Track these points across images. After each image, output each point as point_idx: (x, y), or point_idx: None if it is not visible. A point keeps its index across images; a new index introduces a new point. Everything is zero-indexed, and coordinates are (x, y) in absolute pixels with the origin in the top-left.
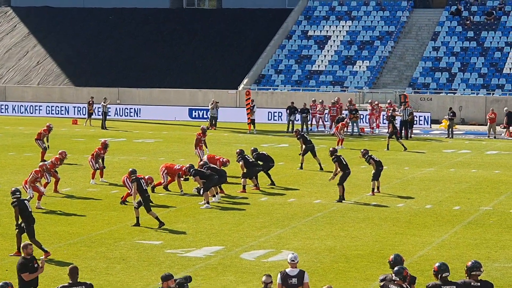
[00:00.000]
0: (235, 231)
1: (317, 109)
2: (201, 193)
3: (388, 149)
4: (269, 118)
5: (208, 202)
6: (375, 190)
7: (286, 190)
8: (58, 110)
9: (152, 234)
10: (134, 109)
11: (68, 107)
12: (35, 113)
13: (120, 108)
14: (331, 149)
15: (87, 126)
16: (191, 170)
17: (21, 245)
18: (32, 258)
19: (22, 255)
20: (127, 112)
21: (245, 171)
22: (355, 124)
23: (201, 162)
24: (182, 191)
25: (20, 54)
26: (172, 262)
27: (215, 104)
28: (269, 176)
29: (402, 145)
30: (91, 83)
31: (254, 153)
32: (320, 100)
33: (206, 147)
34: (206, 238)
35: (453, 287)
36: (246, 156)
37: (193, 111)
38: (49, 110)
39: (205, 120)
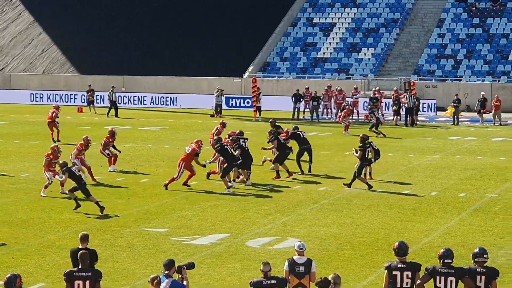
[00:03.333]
0: (240, 219)
1: (311, 96)
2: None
3: (384, 136)
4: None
5: (229, 188)
6: (367, 177)
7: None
8: (64, 98)
9: (157, 221)
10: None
11: (74, 95)
12: (40, 101)
13: (126, 96)
14: (363, 136)
15: (92, 114)
16: (216, 145)
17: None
18: None
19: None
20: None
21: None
22: (374, 113)
23: (238, 132)
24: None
25: (25, 42)
26: (178, 250)
27: (220, 91)
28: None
29: (381, 132)
30: (96, 71)
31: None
32: (326, 87)
33: None
34: (211, 225)
35: (451, 271)
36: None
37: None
38: (54, 98)
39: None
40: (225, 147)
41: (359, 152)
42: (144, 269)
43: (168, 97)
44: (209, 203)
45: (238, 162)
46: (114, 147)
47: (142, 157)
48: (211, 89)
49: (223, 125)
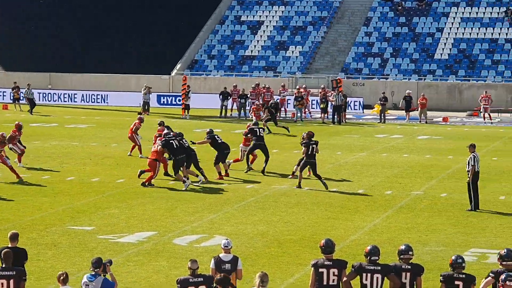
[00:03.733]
0: (168, 216)
1: (238, 94)
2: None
3: (270, 131)
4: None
5: (184, 181)
6: (308, 173)
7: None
8: None
9: (84, 220)
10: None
11: (1, 92)
12: None
13: (56, 94)
14: (310, 133)
15: (18, 111)
16: (162, 140)
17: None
18: None
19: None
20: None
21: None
22: (299, 111)
23: (177, 133)
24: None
25: None
26: (104, 248)
27: (148, 89)
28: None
29: (286, 128)
30: (22, 68)
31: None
32: (253, 85)
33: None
34: (138, 223)
35: (378, 268)
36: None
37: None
38: None
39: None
40: (170, 141)
41: (303, 148)
42: (70, 268)
43: (99, 94)
44: (136, 201)
45: (181, 156)
46: (19, 142)
47: (69, 154)
48: (139, 86)
49: (141, 120)
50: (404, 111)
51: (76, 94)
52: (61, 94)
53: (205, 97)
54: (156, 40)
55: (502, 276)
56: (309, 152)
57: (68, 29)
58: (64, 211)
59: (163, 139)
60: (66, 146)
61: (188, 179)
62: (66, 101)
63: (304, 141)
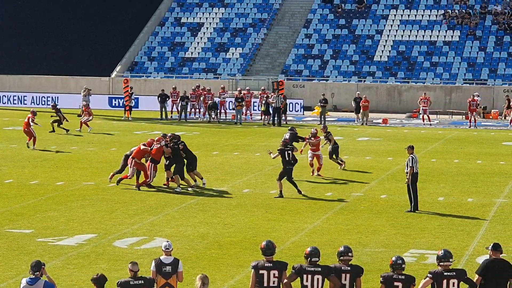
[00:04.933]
0: (108, 219)
1: (178, 96)
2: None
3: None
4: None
5: (179, 186)
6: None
7: (159, 177)
8: None
9: (22, 222)
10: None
11: None
12: None
13: (5, 96)
14: (287, 140)
15: None
16: (170, 143)
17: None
18: None
19: None
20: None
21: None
22: (239, 113)
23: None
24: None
25: None
26: (44, 251)
27: (88, 91)
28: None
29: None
30: None
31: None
32: (193, 87)
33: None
34: (78, 226)
35: (318, 269)
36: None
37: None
38: None
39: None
40: (175, 147)
41: (276, 153)
42: (8, 271)
43: (49, 96)
44: (76, 203)
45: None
46: None
47: (7, 157)
48: (78, 88)
49: (34, 113)
50: (350, 112)
51: (26, 96)
52: (10, 96)
53: (146, 99)
54: (95, 41)
55: None
56: (287, 159)
57: (4, 29)
58: (2, 214)
59: (169, 142)
60: (4, 148)
61: (179, 185)
62: (16, 104)
63: (279, 148)
